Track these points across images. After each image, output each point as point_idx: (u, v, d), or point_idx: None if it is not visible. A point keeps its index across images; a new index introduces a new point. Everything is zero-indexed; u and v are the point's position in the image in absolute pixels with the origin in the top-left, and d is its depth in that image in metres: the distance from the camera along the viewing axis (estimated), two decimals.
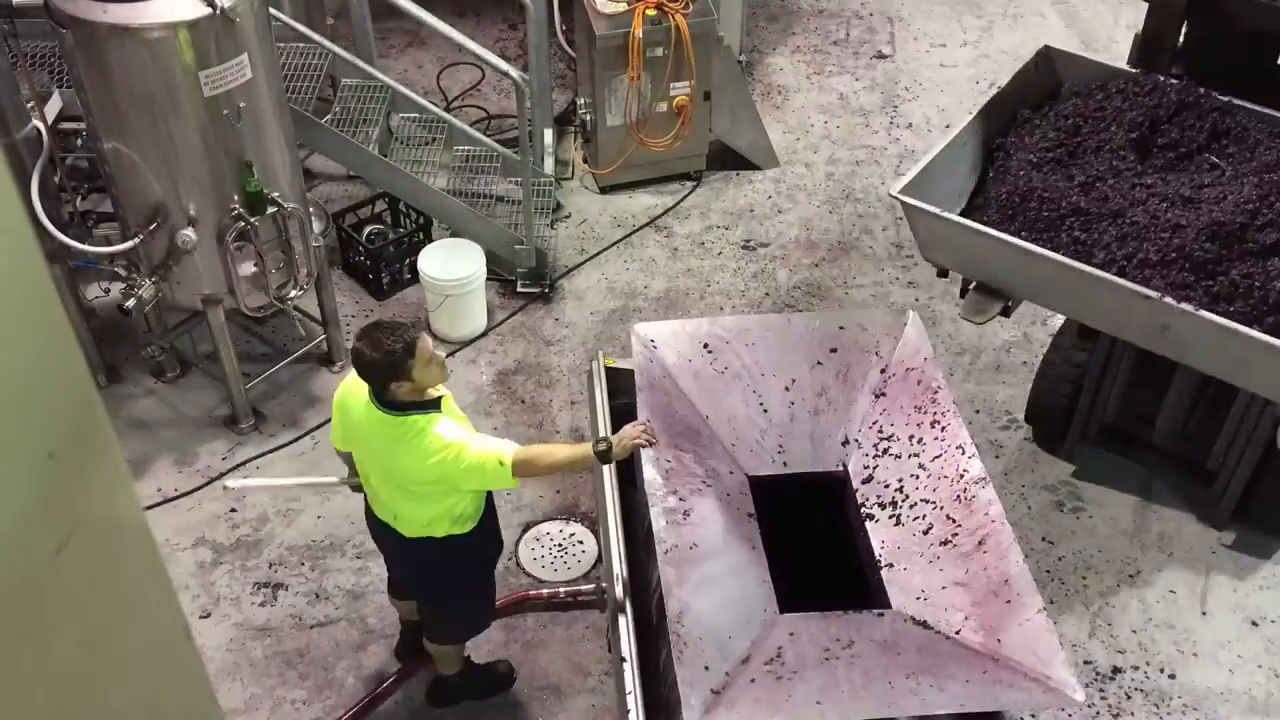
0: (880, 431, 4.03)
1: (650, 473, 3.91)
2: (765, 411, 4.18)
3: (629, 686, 3.56)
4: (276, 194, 4.96)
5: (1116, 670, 4.68)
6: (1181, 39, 4.44)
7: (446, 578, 4.02)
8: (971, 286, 4.17)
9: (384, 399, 3.62)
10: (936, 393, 4.00)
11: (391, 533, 3.93)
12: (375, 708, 4.58)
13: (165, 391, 5.79)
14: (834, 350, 4.24)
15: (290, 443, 5.54)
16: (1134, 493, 5.26)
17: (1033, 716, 4.18)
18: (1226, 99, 4.19)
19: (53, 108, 5.28)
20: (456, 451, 3.58)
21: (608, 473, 4.23)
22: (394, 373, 3.53)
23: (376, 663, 4.73)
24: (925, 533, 3.81)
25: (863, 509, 3.93)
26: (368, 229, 6.29)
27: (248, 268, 5.07)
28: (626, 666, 3.62)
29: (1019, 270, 3.91)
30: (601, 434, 4.09)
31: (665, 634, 3.64)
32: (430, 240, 6.27)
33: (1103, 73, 4.47)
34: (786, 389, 4.22)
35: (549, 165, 6.94)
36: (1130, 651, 4.75)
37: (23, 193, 4.81)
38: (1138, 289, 3.69)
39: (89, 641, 1.28)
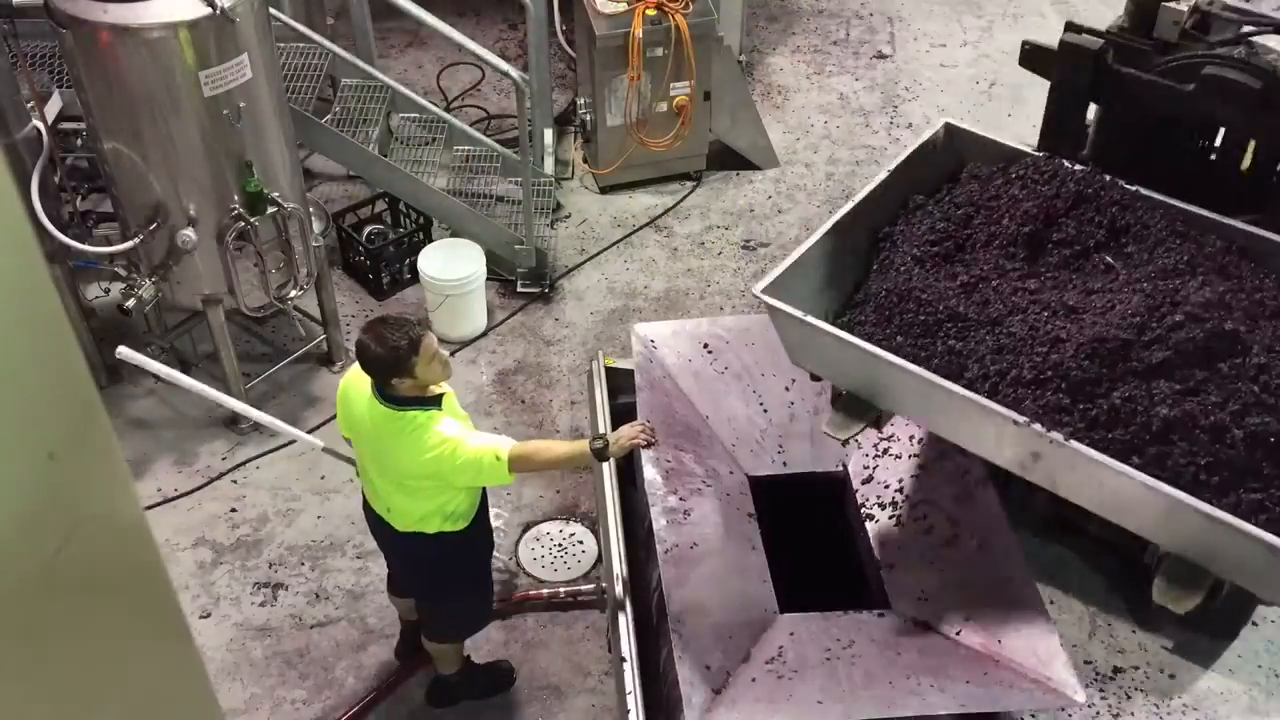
0: (880, 431, 4.03)
1: (650, 473, 3.91)
2: (765, 411, 4.18)
3: (629, 686, 3.56)
4: (276, 194, 4.96)
5: (1117, 670, 4.68)
6: (1092, 121, 4.16)
7: (440, 575, 4.03)
8: (842, 395, 3.72)
9: (386, 393, 3.64)
10: None
11: (386, 527, 3.95)
12: (375, 707, 4.58)
13: (165, 391, 5.78)
14: None
15: (290, 442, 5.54)
16: None
17: (1033, 717, 4.17)
18: (1133, 189, 3.80)
19: (53, 108, 5.28)
20: (453, 447, 3.59)
21: (608, 473, 4.23)
22: (397, 368, 3.55)
23: (376, 663, 4.73)
24: (926, 533, 3.81)
25: (863, 509, 3.94)
26: (368, 229, 6.29)
27: (247, 267, 5.07)
28: (626, 666, 3.62)
29: (885, 383, 3.50)
30: (601, 434, 4.09)
31: (665, 634, 3.64)
32: (430, 240, 6.27)
33: (1005, 154, 4.04)
34: (786, 389, 4.22)
35: (549, 165, 6.94)
36: (1130, 651, 4.75)
37: (23, 193, 4.81)
38: (1005, 412, 3.22)
39: (89, 641, 1.28)
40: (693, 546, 3.70)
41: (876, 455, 4.08)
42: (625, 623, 3.75)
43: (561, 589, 4.95)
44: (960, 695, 3.30)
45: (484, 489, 3.97)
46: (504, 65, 5.69)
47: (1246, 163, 3.97)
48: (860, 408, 3.61)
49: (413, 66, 7.85)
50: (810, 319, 3.49)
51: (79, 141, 5.45)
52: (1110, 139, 4.04)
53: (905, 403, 3.52)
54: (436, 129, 6.83)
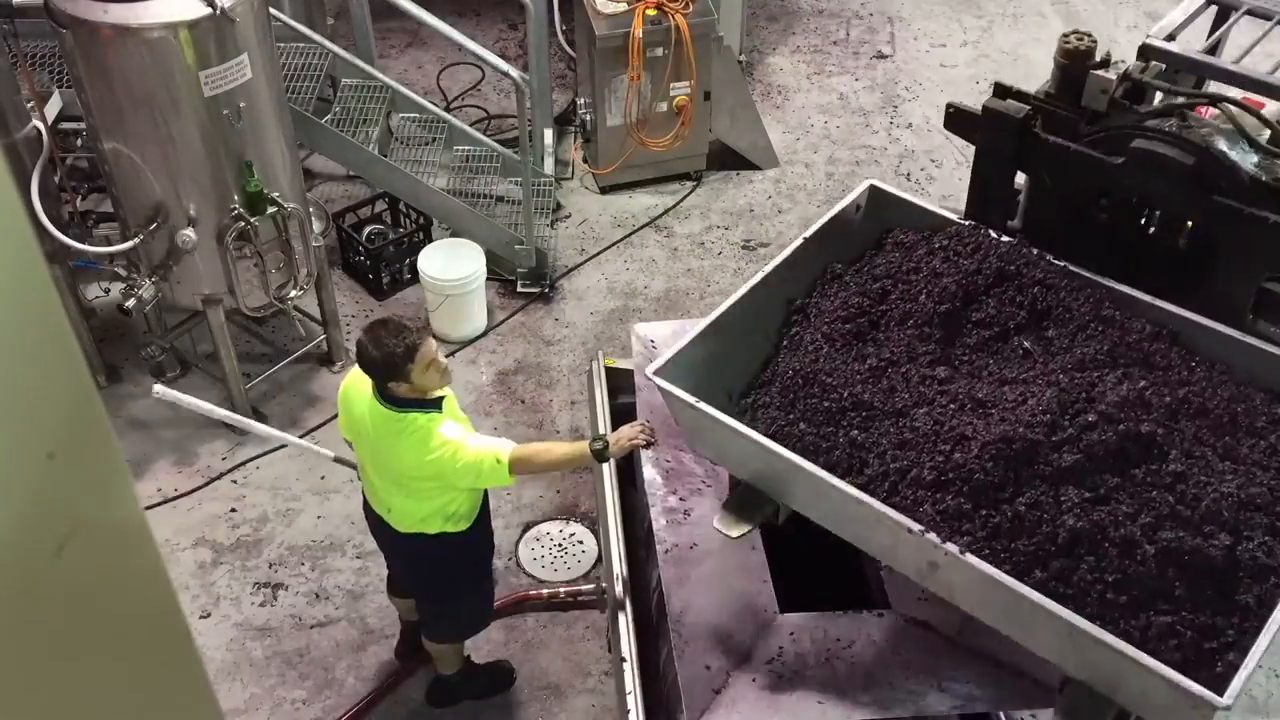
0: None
1: (650, 473, 3.91)
2: None
3: (629, 686, 3.56)
4: (276, 194, 4.96)
5: None
6: (1022, 189, 3.90)
7: (441, 575, 4.04)
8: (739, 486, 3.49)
9: (386, 395, 3.65)
10: None
11: (387, 528, 3.96)
12: (375, 707, 4.58)
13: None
14: None
15: None
16: None
17: (1033, 716, 4.17)
18: (1061, 265, 3.59)
19: (53, 108, 5.28)
20: (454, 449, 3.60)
21: (608, 473, 4.23)
22: (393, 373, 3.56)
23: (376, 663, 4.73)
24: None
25: None
26: (368, 229, 6.29)
27: (248, 267, 5.07)
28: (626, 666, 3.62)
29: (779, 476, 3.25)
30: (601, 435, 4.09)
31: (665, 634, 3.64)
32: (430, 240, 6.27)
33: (931, 221, 3.80)
34: None
35: (549, 165, 6.94)
36: None
37: (23, 193, 4.81)
38: (900, 519, 2.96)
39: (89, 642, 1.28)
40: (692, 547, 3.70)
41: None
42: (625, 623, 3.75)
43: (561, 589, 4.95)
44: (960, 695, 3.30)
45: (486, 490, 3.97)
46: (504, 65, 5.69)
47: (1183, 240, 3.70)
48: (757, 500, 3.38)
49: (413, 66, 7.85)
50: (700, 405, 3.23)
51: (79, 141, 5.45)
52: (1041, 210, 3.77)
53: (799, 498, 3.29)
54: (436, 129, 6.83)
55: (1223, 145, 3.37)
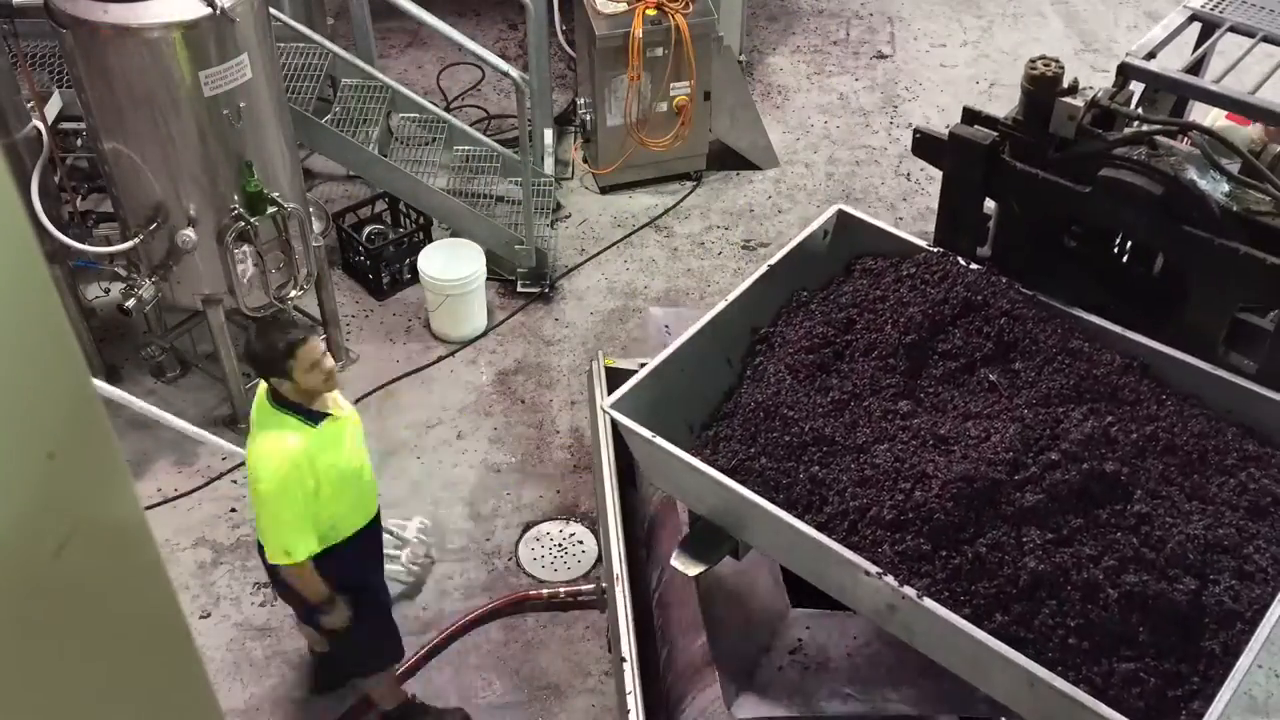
0: None
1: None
2: None
3: (629, 686, 3.55)
4: (276, 194, 4.96)
5: None
6: (992, 215, 3.85)
7: (303, 602, 3.90)
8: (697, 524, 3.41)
9: (271, 394, 3.63)
10: None
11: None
12: (375, 708, 4.58)
13: (165, 391, 5.78)
14: None
15: None
16: None
17: None
18: (1030, 294, 3.53)
19: (53, 108, 5.28)
20: (265, 485, 3.54)
21: (607, 473, 4.22)
22: (272, 368, 3.53)
23: None
24: None
25: None
26: (368, 229, 6.29)
27: (247, 267, 5.07)
28: (626, 666, 3.61)
29: (736, 512, 3.17)
30: (602, 440, 4.09)
31: (665, 634, 3.64)
32: (430, 240, 6.27)
33: (899, 248, 3.73)
34: None
35: (549, 165, 6.94)
36: None
37: (23, 193, 4.81)
38: (857, 560, 2.88)
39: (89, 642, 1.28)
40: None
41: None
42: (625, 623, 3.75)
43: (561, 589, 4.95)
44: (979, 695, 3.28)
45: (378, 510, 3.95)
46: (504, 65, 5.69)
47: (1157, 267, 3.67)
48: (716, 537, 3.30)
49: (413, 66, 7.85)
50: (657, 440, 3.14)
51: (79, 141, 5.46)
52: (1010, 237, 3.71)
53: (757, 536, 3.22)
54: (436, 129, 6.83)
55: (1193, 174, 3.31)
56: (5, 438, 1.12)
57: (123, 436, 5.47)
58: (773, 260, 3.67)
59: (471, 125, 6.93)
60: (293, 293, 5.27)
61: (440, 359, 5.99)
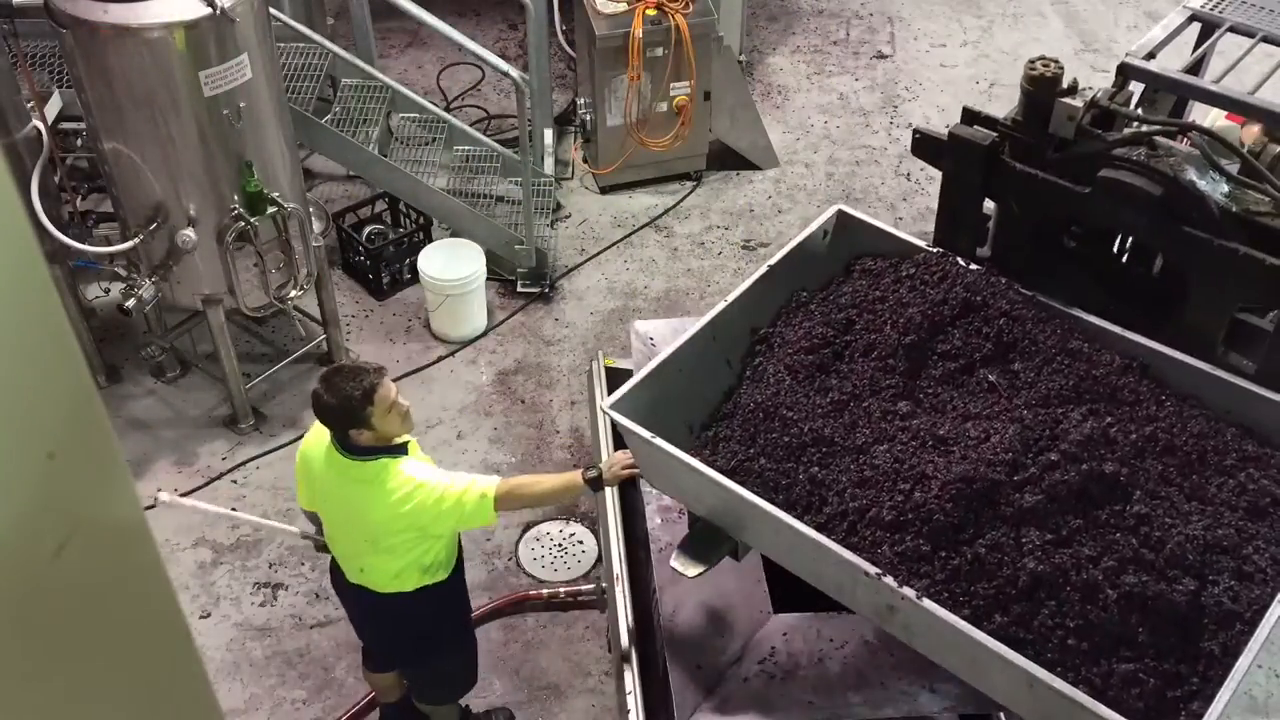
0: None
1: None
2: None
3: (629, 686, 3.56)
4: (276, 194, 4.96)
5: None
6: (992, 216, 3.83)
7: (426, 634, 3.86)
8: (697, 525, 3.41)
9: (346, 445, 3.46)
10: None
11: (364, 593, 3.74)
12: (375, 707, 4.58)
13: (165, 391, 5.79)
14: None
15: (290, 443, 5.54)
16: None
17: None
18: (1029, 294, 3.53)
19: (53, 108, 5.28)
20: (432, 493, 3.42)
21: None
22: (352, 420, 3.37)
23: None
24: None
25: None
26: (368, 229, 6.29)
27: (247, 267, 5.07)
28: (626, 666, 3.62)
29: (736, 513, 3.18)
30: (602, 440, 4.09)
31: (665, 634, 3.65)
32: (430, 240, 6.27)
33: (899, 248, 3.72)
34: None
35: (549, 165, 6.94)
36: None
37: (23, 193, 4.81)
38: (857, 561, 2.88)
39: (88, 642, 1.28)
40: None
41: None
42: (625, 623, 3.75)
43: (561, 589, 4.95)
44: (951, 696, 3.30)
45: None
46: (504, 65, 5.69)
47: (1157, 268, 3.66)
48: (716, 538, 3.30)
49: (413, 66, 7.85)
50: (656, 440, 3.13)
51: (79, 141, 5.45)
52: (1010, 237, 3.70)
53: (758, 537, 3.23)
54: (436, 129, 6.83)
55: (1192, 175, 3.31)
56: (5, 438, 1.12)
57: (123, 436, 5.48)
58: (772, 260, 3.67)
59: (471, 125, 6.94)
60: (293, 293, 5.27)
61: (440, 359, 5.99)
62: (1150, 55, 3.85)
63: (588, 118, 6.86)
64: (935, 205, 3.90)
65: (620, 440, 3.90)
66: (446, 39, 5.80)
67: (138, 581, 1.36)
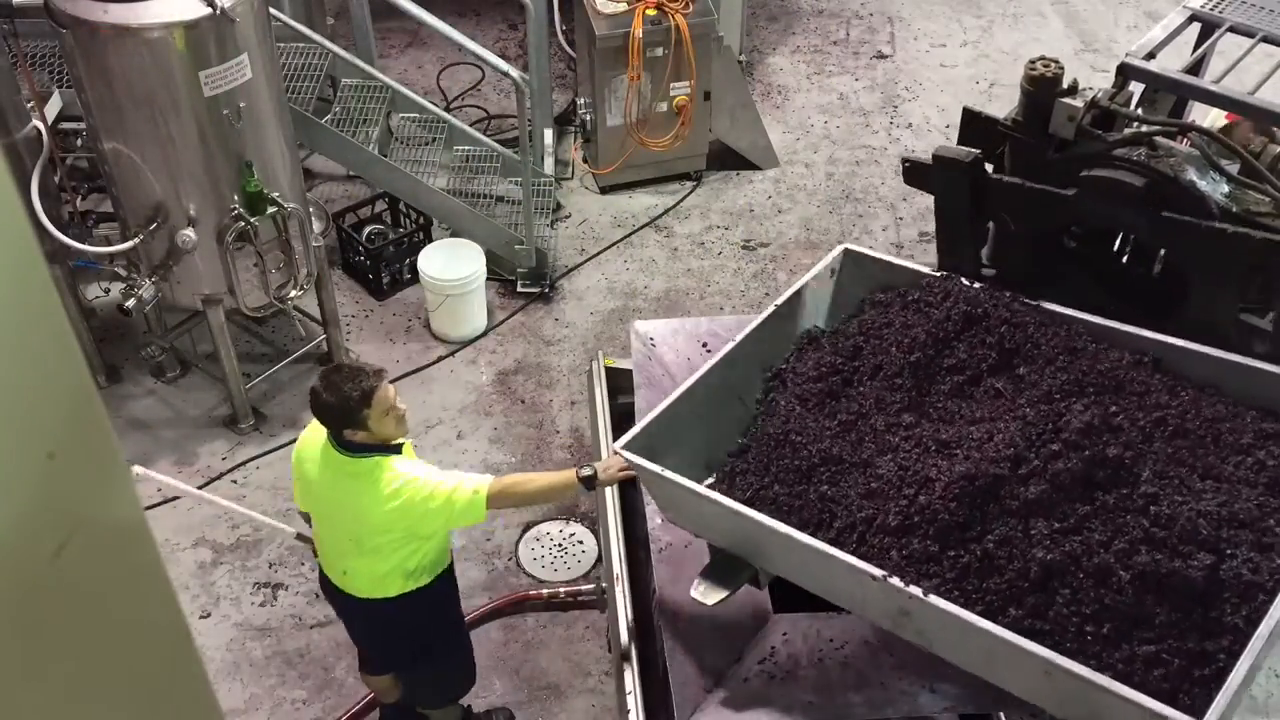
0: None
1: None
2: None
3: (629, 686, 3.56)
4: (276, 194, 4.96)
5: None
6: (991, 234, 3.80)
7: (414, 639, 3.83)
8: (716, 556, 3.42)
9: (342, 442, 3.47)
10: None
11: (349, 598, 3.74)
12: (375, 708, 4.58)
13: (165, 391, 5.79)
14: None
15: (290, 443, 5.53)
16: None
17: (1032, 717, 4.17)
18: (1033, 304, 3.54)
19: (53, 108, 5.28)
20: (420, 489, 3.41)
21: None
22: (348, 419, 3.38)
23: None
24: None
25: None
26: (368, 229, 6.29)
27: (247, 267, 5.07)
28: (626, 666, 3.62)
29: (750, 538, 3.21)
30: (602, 440, 4.09)
31: (665, 634, 3.65)
32: (430, 240, 6.27)
33: (906, 277, 3.75)
34: None
35: (549, 165, 6.94)
36: None
37: (23, 193, 4.81)
38: (862, 566, 2.89)
39: (89, 643, 1.28)
40: (686, 545, 3.70)
41: None
42: (625, 623, 3.75)
43: (561, 589, 4.95)
44: (951, 697, 3.30)
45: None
46: (504, 65, 5.69)
47: (1157, 268, 3.66)
48: (735, 565, 3.31)
49: (413, 66, 7.85)
50: (665, 473, 3.18)
51: (79, 141, 5.46)
52: (1010, 251, 3.70)
53: (774, 559, 3.24)
54: (436, 129, 6.83)
55: (1192, 175, 3.31)
56: (5, 438, 1.12)
57: (123, 436, 5.48)
58: (779, 301, 3.72)
59: (471, 125, 6.94)
60: (293, 293, 5.27)
61: (440, 359, 5.99)
62: (1150, 55, 3.85)
63: (588, 118, 6.86)
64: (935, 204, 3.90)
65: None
66: (446, 39, 5.80)
67: (138, 581, 1.36)
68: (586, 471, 3.49)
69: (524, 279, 6.31)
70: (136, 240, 4.88)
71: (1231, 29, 4.05)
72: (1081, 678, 2.61)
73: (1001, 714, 3.40)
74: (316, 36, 5.97)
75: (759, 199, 6.97)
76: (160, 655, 1.43)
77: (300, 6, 6.35)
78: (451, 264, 5.89)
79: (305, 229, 5.18)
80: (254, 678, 4.68)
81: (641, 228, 6.78)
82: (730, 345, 3.56)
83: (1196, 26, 4.16)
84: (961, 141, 3.76)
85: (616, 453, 3.28)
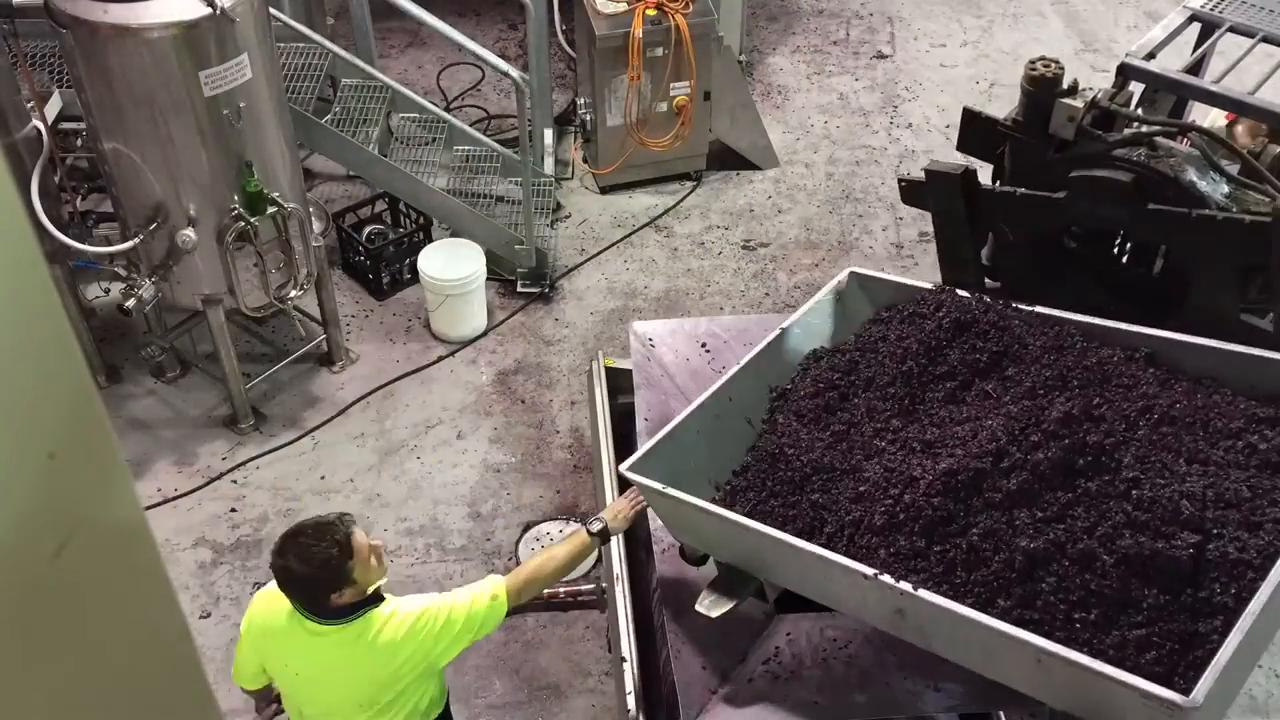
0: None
1: None
2: None
3: (629, 686, 3.56)
4: (276, 194, 4.97)
5: None
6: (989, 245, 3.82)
7: None
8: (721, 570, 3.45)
9: (325, 613, 3.06)
10: None
11: None
12: None
13: (165, 391, 5.79)
14: None
15: (290, 443, 5.55)
16: None
17: (1031, 716, 4.17)
18: (1025, 309, 3.56)
19: (53, 108, 5.28)
20: (434, 618, 3.13)
21: (607, 473, 4.22)
22: (332, 582, 2.99)
23: None
24: None
25: None
26: (368, 229, 6.30)
27: (247, 267, 5.07)
28: (626, 666, 3.62)
29: (749, 549, 3.25)
30: (603, 440, 4.09)
31: (665, 634, 3.64)
32: (430, 240, 6.27)
33: (911, 294, 3.80)
34: None
35: (549, 165, 6.94)
36: None
37: (23, 193, 4.81)
38: (851, 565, 2.91)
39: (89, 643, 1.28)
40: None
41: None
42: (625, 623, 3.75)
43: (561, 589, 4.93)
44: (956, 696, 3.30)
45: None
46: (504, 65, 5.69)
47: (1157, 267, 3.69)
48: (738, 580, 3.36)
49: (413, 66, 7.85)
50: (669, 490, 3.23)
51: (79, 141, 5.46)
52: (1009, 259, 3.71)
53: (772, 568, 3.30)
54: (436, 129, 6.83)
55: (1192, 175, 3.32)
56: (5, 438, 1.12)
57: (123, 436, 5.48)
58: (785, 323, 3.76)
59: (471, 125, 6.94)
60: (293, 293, 5.27)
61: (440, 359, 5.99)
62: (1150, 55, 3.86)
63: (588, 118, 6.86)
64: (932, 219, 3.92)
65: (620, 441, 3.91)
66: (446, 39, 5.80)
67: (138, 581, 1.36)
68: (596, 526, 3.44)
69: (524, 279, 6.31)
70: (136, 240, 4.88)
71: (1231, 29, 4.06)
72: (1070, 661, 2.61)
73: (1001, 714, 3.40)
74: (316, 36, 5.97)
75: (759, 199, 6.97)
76: (160, 655, 1.43)
77: (300, 6, 6.35)
78: (451, 264, 5.89)
79: (305, 229, 5.18)
80: None
81: (641, 228, 6.78)
82: (730, 372, 3.64)
83: (1196, 26, 4.17)
84: (961, 141, 3.77)
85: (623, 474, 3.33)
